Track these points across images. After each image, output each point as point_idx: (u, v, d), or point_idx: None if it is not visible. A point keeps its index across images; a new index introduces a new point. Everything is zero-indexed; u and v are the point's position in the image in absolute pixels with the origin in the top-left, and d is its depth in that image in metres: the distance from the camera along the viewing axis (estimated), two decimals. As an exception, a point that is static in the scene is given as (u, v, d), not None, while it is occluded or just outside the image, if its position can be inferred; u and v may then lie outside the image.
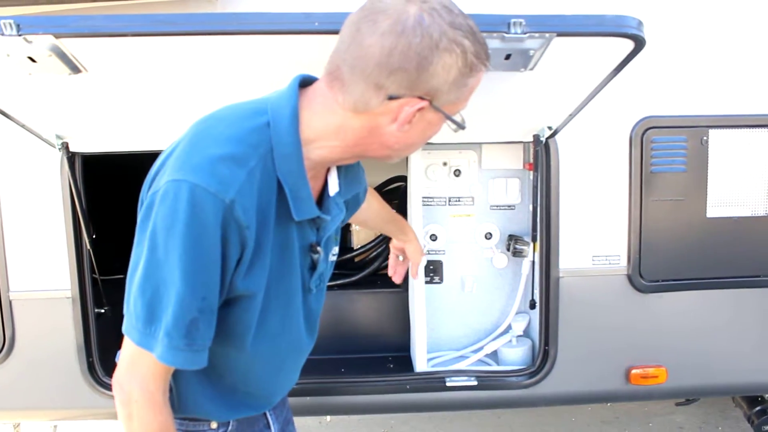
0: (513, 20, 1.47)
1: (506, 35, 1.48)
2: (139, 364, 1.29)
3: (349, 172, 1.52)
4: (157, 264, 1.23)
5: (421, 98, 1.25)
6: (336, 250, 1.58)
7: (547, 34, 1.50)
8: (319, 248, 1.44)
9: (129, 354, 1.30)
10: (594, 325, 2.39)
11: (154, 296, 1.24)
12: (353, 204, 1.70)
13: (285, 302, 1.42)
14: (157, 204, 1.23)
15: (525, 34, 1.48)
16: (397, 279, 2.18)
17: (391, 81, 1.22)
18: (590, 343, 2.39)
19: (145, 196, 1.31)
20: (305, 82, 1.36)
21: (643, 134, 2.29)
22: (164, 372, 1.30)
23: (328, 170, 1.43)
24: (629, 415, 3.81)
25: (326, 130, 1.31)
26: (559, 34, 1.50)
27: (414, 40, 1.20)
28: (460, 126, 1.38)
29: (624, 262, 2.35)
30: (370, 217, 2.09)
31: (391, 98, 1.25)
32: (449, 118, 1.34)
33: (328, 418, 3.71)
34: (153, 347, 1.25)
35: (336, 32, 1.27)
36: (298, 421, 3.70)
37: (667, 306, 2.39)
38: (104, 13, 2.19)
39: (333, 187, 1.43)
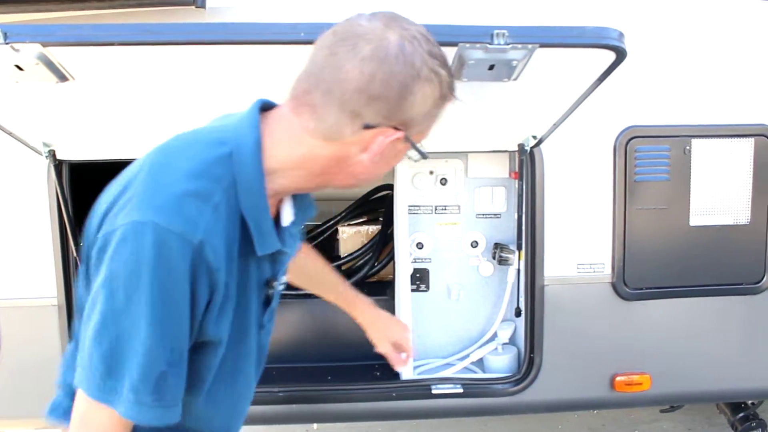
0: (496, 31, 1.49)
1: (489, 46, 1.50)
2: (94, 421, 1.18)
3: (299, 196, 1.44)
4: (117, 313, 1.12)
5: (396, 128, 1.21)
6: (284, 279, 1.49)
7: (529, 45, 1.52)
8: (275, 283, 1.38)
9: (83, 409, 1.19)
10: (579, 332, 2.40)
11: (115, 348, 1.13)
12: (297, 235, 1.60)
13: (240, 341, 1.34)
14: (114, 247, 1.12)
15: (508, 45, 1.50)
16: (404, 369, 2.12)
17: (370, 109, 1.17)
18: (575, 350, 2.41)
19: (93, 236, 1.21)
20: (265, 107, 1.29)
21: (626, 143, 2.31)
22: (123, 428, 1.19)
23: (281, 199, 1.36)
24: (616, 422, 3.83)
25: (291, 160, 1.24)
26: (542, 45, 1.53)
27: (396, 68, 1.16)
28: (424, 156, 1.34)
29: (608, 270, 2.37)
30: (309, 279, 1.97)
31: (366, 127, 1.19)
32: (417, 149, 1.31)
33: (315, 425, 3.70)
34: (115, 403, 1.15)
35: None
36: (285, 429, 3.71)
37: (650, 314, 2.41)
38: (92, 22, 2.20)
39: (287, 217, 1.37)
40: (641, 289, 2.38)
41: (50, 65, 1.57)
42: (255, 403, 2.36)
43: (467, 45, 1.50)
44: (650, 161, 2.33)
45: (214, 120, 1.36)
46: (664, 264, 2.38)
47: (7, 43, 1.45)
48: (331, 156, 1.23)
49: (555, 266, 2.35)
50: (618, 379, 2.42)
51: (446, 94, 1.26)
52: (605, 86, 2.28)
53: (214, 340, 1.25)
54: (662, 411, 3.09)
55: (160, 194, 1.14)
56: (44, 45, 1.48)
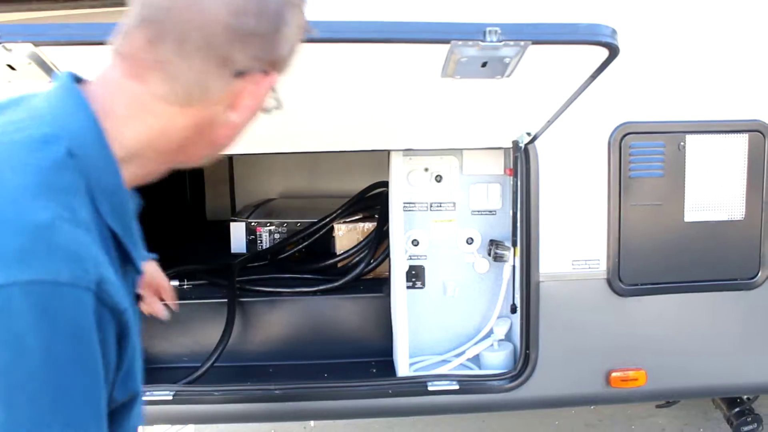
0: (488, 28, 1.49)
1: (482, 43, 1.50)
2: None
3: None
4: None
5: (266, 72, 0.97)
6: None
7: (522, 42, 1.52)
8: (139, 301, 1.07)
9: None
10: (574, 328, 2.41)
11: None
12: None
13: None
14: None
15: (500, 42, 1.51)
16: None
17: (242, 51, 0.91)
18: (571, 346, 2.42)
19: None
20: (78, 80, 0.98)
21: (621, 140, 2.31)
22: None
23: None
24: (612, 417, 3.84)
25: (141, 141, 0.94)
26: (534, 42, 1.53)
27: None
28: (280, 106, 1.07)
29: (603, 266, 2.37)
30: None
31: (238, 75, 0.93)
32: (277, 97, 1.05)
33: (312, 423, 3.71)
34: None
35: (314, 41, 1.24)
36: (282, 426, 3.73)
37: (645, 309, 2.41)
38: (85, 20, 2.20)
39: None
40: (636, 284, 2.38)
41: (42, 64, 1.57)
42: (252, 400, 2.39)
43: (459, 42, 1.51)
44: (645, 157, 2.33)
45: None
46: (659, 260, 2.38)
47: None
48: (192, 125, 0.95)
49: (550, 262, 2.35)
50: (613, 374, 2.43)
51: (307, 24, 1.02)
52: (599, 82, 2.28)
53: (130, 397, 0.96)
54: (658, 406, 3.11)
55: (8, 236, 0.78)
56: (36, 44, 1.48)
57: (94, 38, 1.49)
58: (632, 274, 2.37)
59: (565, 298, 2.38)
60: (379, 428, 3.74)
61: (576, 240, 2.37)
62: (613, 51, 1.60)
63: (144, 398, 2.27)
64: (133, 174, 0.96)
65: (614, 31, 1.57)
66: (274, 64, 0.97)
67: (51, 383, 0.75)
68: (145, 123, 0.93)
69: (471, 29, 1.50)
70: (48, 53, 1.54)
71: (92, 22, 2.21)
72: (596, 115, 2.31)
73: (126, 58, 0.93)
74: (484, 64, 1.59)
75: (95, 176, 0.89)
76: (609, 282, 2.37)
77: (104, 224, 0.90)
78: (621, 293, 2.38)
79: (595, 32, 1.55)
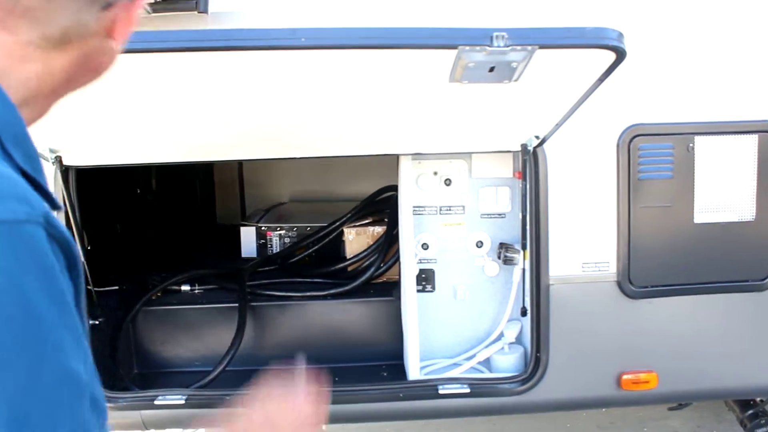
0: (495, 34, 1.50)
1: (489, 48, 1.51)
2: None
3: None
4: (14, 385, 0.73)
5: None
6: None
7: (529, 47, 1.52)
8: None
9: None
10: (585, 331, 2.41)
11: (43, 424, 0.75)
12: None
13: None
14: None
15: (508, 47, 1.51)
16: None
17: None
18: (581, 349, 2.41)
19: None
20: None
21: (630, 142, 2.31)
22: None
23: None
24: (624, 420, 3.82)
25: (31, 89, 0.94)
26: (542, 47, 1.53)
27: None
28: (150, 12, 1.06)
29: (613, 268, 2.36)
30: None
31: (107, 6, 0.92)
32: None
33: (323, 426, 3.71)
34: None
35: (324, 47, 1.26)
36: (293, 431, 3.66)
37: (656, 311, 2.40)
38: None
39: None
40: (646, 287, 2.37)
41: None
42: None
43: (467, 48, 1.51)
44: (654, 159, 2.33)
45: None
46: (669, 262, 2.38)
47: None
48: (73, 61, 0.94)
49: (560, 265, 2.35)
50: (625, 377, 2.42)
51: None
52: (607, 84, 2.28)
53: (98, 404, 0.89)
54: (670, 409, 3.09)
55: None
56: None
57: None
58: (642, 277, 2.37)
59: (575, 300, 2.38)
60: (389, 431, 3.74)
61: (585, 242, 2.37)
62: (620, 54, 1.60)
63: (156, 402, 2.27)
64: (28, 118, 0.94)
65: (621, 35, 1.57)
66: None
67: (30, 315, 0.76)
68: (27, 71, 0.91)
69: (478, 34, 1.50)
70: None
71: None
72: (605, 117, 2.31)
73: None
74: (491, 69, 1.59)
75: (3, 128, 0.87)
76: (619, 284, 2.37)
77: (20, 170, 0.88)
78: (631, 295, 2.38)
79: (601, 36, 1.55)
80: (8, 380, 0.73)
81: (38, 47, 0.90)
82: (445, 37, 1.51)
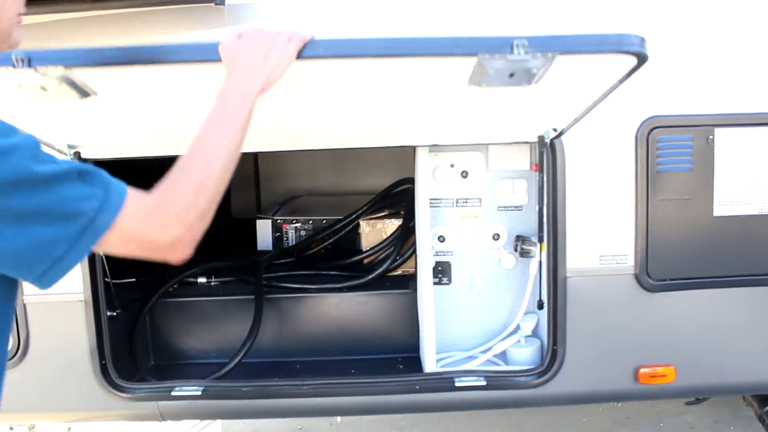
0: (516, 42, 1.48)
1: (509, 56, 1.50)
2: (129, 240, 1.16)
3: None
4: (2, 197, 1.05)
5: None
6: None
7: (549, 54, 1.51)
8: None
9: (117, 250, 1.16)
10: (602, 324, 2.39)
11: (37, 212, 1.08)
12: None
13: None
14: None
15: (528, 54, 1.50)
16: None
17: None
18: (599, 342, 2.40)
19: None
20: None
21: (648, 134, 2.29)
22: (135, 213, 1.14)
23: None
24: (640, 414, 3.81)
25: None
26: (562, 53, 1.52)
27: None
28: None
29: (631, 261, 2.35)
30: None
31: None
32: None
33: (339, 419, 3.72)
34: (100, 222, 1.11)
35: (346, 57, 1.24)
36: (309, 422, 3.74)
37: (674, 305, 2.39)
38: (114, 20, 2.23)
39: None
40: (665, 280, 2.36)
41: (73, 85, 1.59)
42: (280, 396, 2.40)
43: (487, 56, 1.50)
44: (673, 151, 2.31)
45: None
46: (688, 255, 2.36)
47: (31, 68, 1.47)
48: None
49: (577, 258, 2.34)
50: (642, 371, 2.41)
51: None
52: (626, 76, 2.27)
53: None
54: (687, 403, 3.07)
55: None
56: (67, 67, 1.51)
57: (124, 60, 1.52)
58: (660, 270, 2.35)
59: (592, 293, 2.36)
60: (405, 424, 3.74)
61: (603, 235, 2.35)
62: (642, 59, 1.58)
63: (173, 394, 2.30)
64: None
65: (643, 40, 1.55)
66: None
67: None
68: None
69: (498, 42, 1.49)
70: (79, 74, 1.57)
71: (118, 22, 2.25)
72: (623, 109, 2.29)
73: None
74: (511, 75, 1.58)
75: None
76: (637, 277, 2.35)
77: None
78: (649, 289, 2.36)
79: (624, 42, 1.53)
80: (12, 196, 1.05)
81: None
82: (465, 45, 1.50)
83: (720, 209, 2.34)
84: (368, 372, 2.56)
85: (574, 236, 2.33)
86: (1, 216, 1.05)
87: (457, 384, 2.37)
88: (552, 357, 2.39)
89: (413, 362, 2.64)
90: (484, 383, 2.37)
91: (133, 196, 1.14)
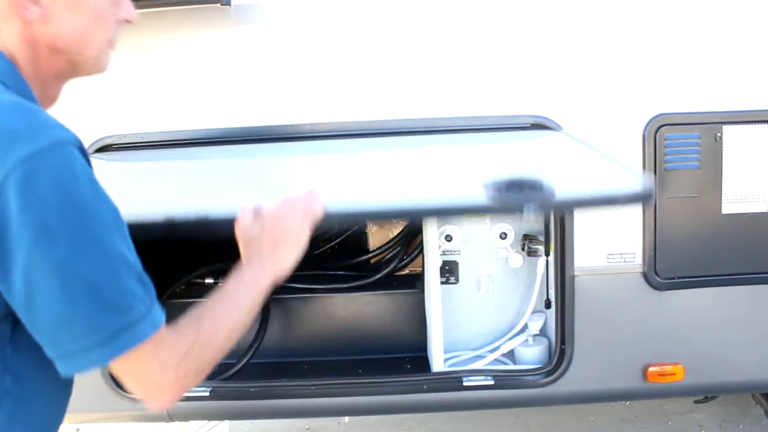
0: (526, 205, 1.47)
1: (521, 213, 1.51)
2: (141, 368, 1.07)
3: None
4: (74, 252, 0.99)
5: None
6: None
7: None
8: None
9: (125, 367, 1.07)
10: (610, 323, 2.38)
11: (94, 286, 1.00)
12: None
13: None
14: (19, 194, 0.96)
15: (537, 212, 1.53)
16: None
17: None
18: (607, 341, 2.39)
19: None
20: None
21: (656, 131, 2.28)
22: (161, 343, 1.07)
23: None
24: (649, 413, 3.79)
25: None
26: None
27: None
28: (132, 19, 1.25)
29: (639, 259, 2.34)
30: None
31: None
32: None
33: (347, 419, 3.72)
34: (137, 330, 1.03)
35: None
36: (316, 422, 3.73)
37: (683, 303, 2.38)
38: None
39: None
40: (673, 278, 2.35)
41: None
42: (287, 396, 2.40)
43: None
44: (680, 149, 2.30)
45: None
46: (696, 253, 2.35)
47: None
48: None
49: (585, 257, 2.33)
50: (651, 369, 2.40)
51: None
52: (633, 73, 2.27)
53: None
54: (696, 402, 3.06)
55: (21, 121, 1.03)
56: None
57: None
58: (669, 268, 2.34)
59: (600, 292, 2.36)
60: (412, 424, 3.74)
61: (611, 234, 2.34)
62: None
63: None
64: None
65: (652, 192, 1.57)
66: None
67: (85, 208, 1.01)
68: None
69: (510, 205, 1.49)
70: None
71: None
72: (630, 106, 2.28)
73: None
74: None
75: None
76: (645, 276, 2.34)
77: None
78: (657, 287, 2.35)
79: (634, 196, 1.53)
80: (81, 258, 1.00)
81: None
82: (479, 209, 1.58)
83: (728, 207, 2.33)
84: (376, 372, 2.55)
85: (581, 235, 2.32)
86: (59, 272, 0.98)
87: (464, 383, 2.36)
88: (560, 356, 2.38)
89: (421, 362, 2.63)
90: (492, 382, 2.37)
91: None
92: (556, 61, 2.28)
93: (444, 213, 1.55)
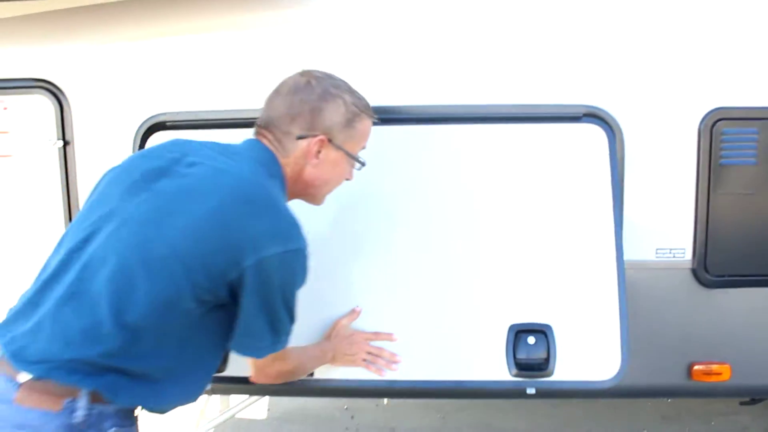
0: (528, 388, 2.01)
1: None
2: (273, 366, 1.84)
3: None
4: (290, 306, 1.65)
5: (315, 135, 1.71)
6: None
7: None
8: None
9: (262, 364, 1.82)
10: (656, 318, 2.35)
11: (280, 326, 1.67)
12: None
13: None
14: (279, 266, 1.55)
15: None
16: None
17: (295, 125, 1.71)
18: (652, 336, 2.36)
19: (230, 264, 1.53)
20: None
21: (712, 126, 2.23)
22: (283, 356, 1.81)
23: None
24: (691, 412, 3.74)
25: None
26: None
27: (306, 95, 1.71)
28: (360, 163, 1.82)
29: (689, 255, 2.30)
30: None
31: (299, 138, 1.70)
32: (349, 154, 1.77)
33: (385, 400, 3.75)
34: (279, 347, 1.72)
35: None
36: (355, 403, 3.75)
37: (732, 302, 2.33)
38: (120, 8, 2.31)
39: None
40: (723, 276, 2.30)
41: None
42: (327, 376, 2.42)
43: None
44: (737, 144, 2.25)
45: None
46: (749, 251, 2.30)
47: None
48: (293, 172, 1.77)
49: (633, 250, 2.29)
50: (696, 367, 2.36)
51: (354, 110, 1.75)
52: (690, 66, 2.22)
53: None
54: (742, 403, 3.00)
55: (285, 224, 1.59)
56: None
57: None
58: (720, 265, 2.30)
59: (647, 287, 2.32)
60: (450, 410, 3.75)
61: (661, 228, 2.31)
62: None
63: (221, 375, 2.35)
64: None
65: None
66: (326, 131, 1.74)
67: (300, 282, 1.66)
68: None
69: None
70: None
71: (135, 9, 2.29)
72: (687, 99, 2.24)
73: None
74: None
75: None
76: (694, 272, 2.31)
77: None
78: (707, 284, 2.31)
79: None
80: (281, 309, 1.64)
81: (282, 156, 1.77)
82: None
83: (785, 205, 2.27)
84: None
85: (630, 228, 2.29)
86: (263, 301, 1.58)
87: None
88: (605, 350, 2.36)
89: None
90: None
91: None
92: (612, 51, 2.24)
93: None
